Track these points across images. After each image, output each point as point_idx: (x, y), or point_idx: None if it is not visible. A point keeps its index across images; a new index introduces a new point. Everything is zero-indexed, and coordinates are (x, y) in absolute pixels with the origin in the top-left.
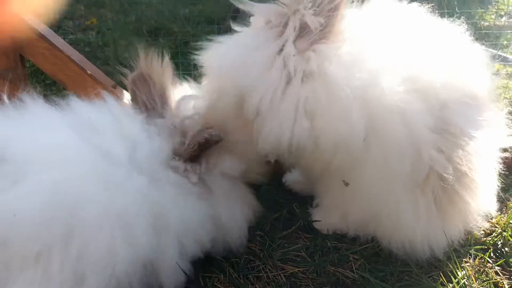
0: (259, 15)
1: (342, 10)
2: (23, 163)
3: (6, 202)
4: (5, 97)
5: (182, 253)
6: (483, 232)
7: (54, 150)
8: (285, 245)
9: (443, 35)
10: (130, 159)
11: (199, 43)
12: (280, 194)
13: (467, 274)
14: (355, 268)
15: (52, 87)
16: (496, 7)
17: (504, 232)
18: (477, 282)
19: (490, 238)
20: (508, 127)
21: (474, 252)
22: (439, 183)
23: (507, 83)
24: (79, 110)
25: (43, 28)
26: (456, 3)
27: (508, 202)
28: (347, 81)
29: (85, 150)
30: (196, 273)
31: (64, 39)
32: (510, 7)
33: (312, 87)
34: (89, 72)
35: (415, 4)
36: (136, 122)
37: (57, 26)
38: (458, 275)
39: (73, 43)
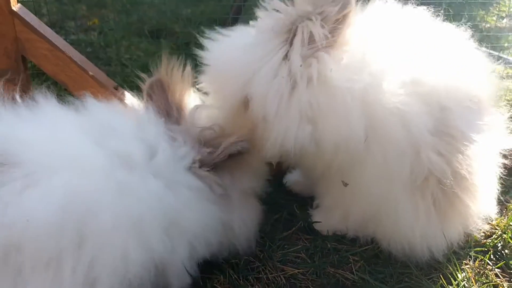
0: (266, 19)
1: (349, 21)
2: (35, 167)
3: (19, 206)
4: (17, 97)
5: (192, 255)
6: (483, 234)
7: (67, 153)
8: (285, 246)
9: (444, 39)
10: (148, 163)
11: (202, 42)
12: (280, 195)
13: (467, 276)
14: (355, 270)
15: (52, 88)
16: (497, 9)
17: (504, 234)
18: (477, 284)
19: (490, 240)
20: (510, 131)
21: (474, 254)
22: (439, 186)
23: (508, 85)
24: (95, 111)
25: (45, 29)
26: (457, 4)
27: (508, 204)
28: (348, 84)
29: (99, 153)
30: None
31: (65, 40)
32: (511, 9)
33: (313, 92)
34: (90, 73)
35: (417, 7)
36: (158, 126)
37: (59, 26)
38: (458, 277)
39: (74, 44)
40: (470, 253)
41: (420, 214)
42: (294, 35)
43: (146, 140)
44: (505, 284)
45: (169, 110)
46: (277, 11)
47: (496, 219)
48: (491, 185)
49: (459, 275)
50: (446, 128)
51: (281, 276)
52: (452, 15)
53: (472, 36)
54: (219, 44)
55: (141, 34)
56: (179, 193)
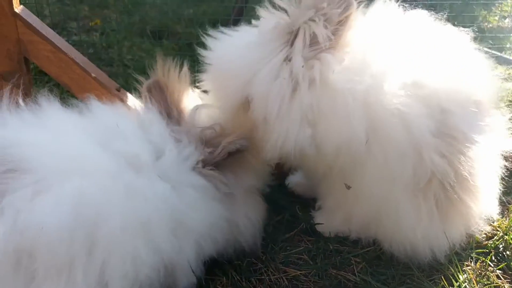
0: (269, 19)
1: (351, 22)
2: (45, 172)
3: (31, 213)
4: (20, 101)
5: (199, 254)
6: (484, 235)
7: (74, 158)
8: (287, 248)
9: (445, 40)
10: (154, 164)
11: (204, 41)
12: (283, 197)
13: (469, 277)
14: (357, 271)
15: (55, 90)
16: (499, 9)
17: (505, 236)
18: (478, 285)
19: (491, 242)
20: (511, 133)
21: (475, 255)
22: (441, 187)
23: (510, 86)
24: (99, 113)
25: (47, 31)
26: (459, 5)
27: (510, 206)
28: (349, 86)
29: (107, 157)
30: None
31: (68, 40)
32: None
33: (315, 94)
34: (93, 75)
35: (418, 8)
36: (162, 127)
37: (61, 27)
38: (459, 279)
39: (76, 45)
40: (471, 255)
41: (422, 215)
42: (296, 36)
43: (152, 142)
44: (507, 286)
45: (169, 111)
46: (280, 11)
47: (498, 220)
48: (493, 186)
49: (460, 276)
50: (448, 130)
51: (284, 277)
52: (454, 15)
53: (474, 37)
54: (221, 43)
55: (143, 34)
56: (186, 194)
